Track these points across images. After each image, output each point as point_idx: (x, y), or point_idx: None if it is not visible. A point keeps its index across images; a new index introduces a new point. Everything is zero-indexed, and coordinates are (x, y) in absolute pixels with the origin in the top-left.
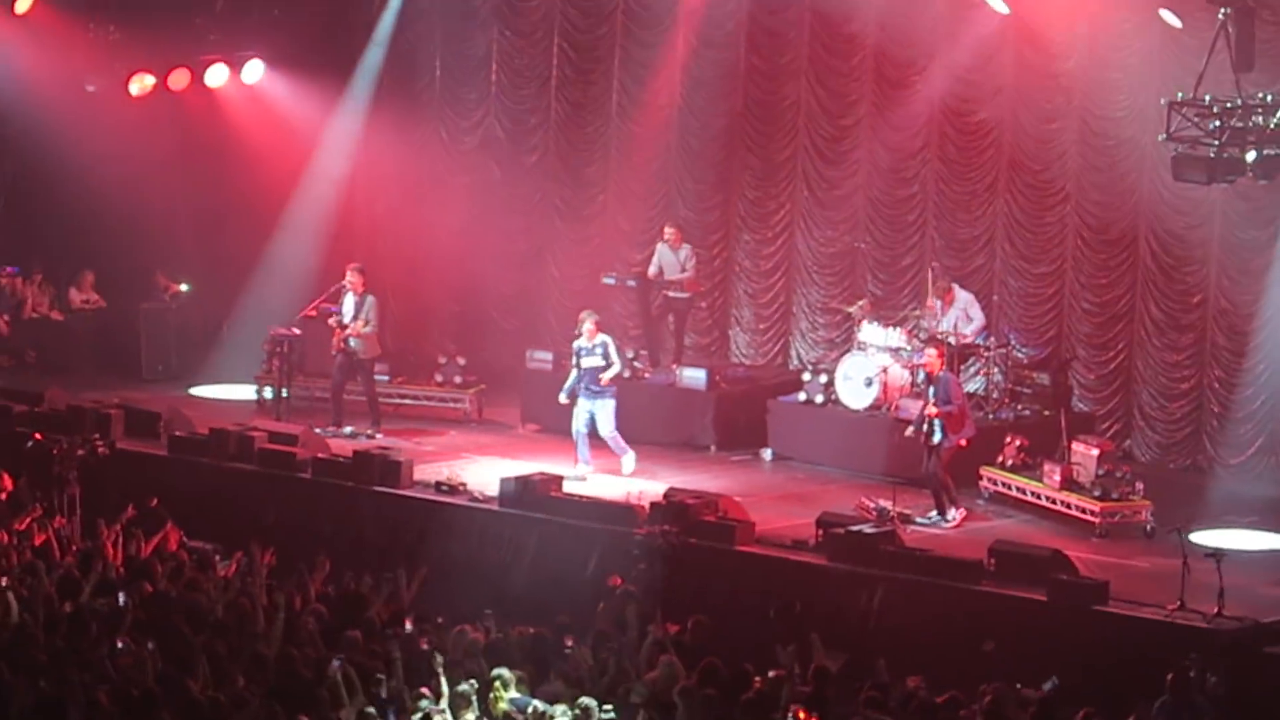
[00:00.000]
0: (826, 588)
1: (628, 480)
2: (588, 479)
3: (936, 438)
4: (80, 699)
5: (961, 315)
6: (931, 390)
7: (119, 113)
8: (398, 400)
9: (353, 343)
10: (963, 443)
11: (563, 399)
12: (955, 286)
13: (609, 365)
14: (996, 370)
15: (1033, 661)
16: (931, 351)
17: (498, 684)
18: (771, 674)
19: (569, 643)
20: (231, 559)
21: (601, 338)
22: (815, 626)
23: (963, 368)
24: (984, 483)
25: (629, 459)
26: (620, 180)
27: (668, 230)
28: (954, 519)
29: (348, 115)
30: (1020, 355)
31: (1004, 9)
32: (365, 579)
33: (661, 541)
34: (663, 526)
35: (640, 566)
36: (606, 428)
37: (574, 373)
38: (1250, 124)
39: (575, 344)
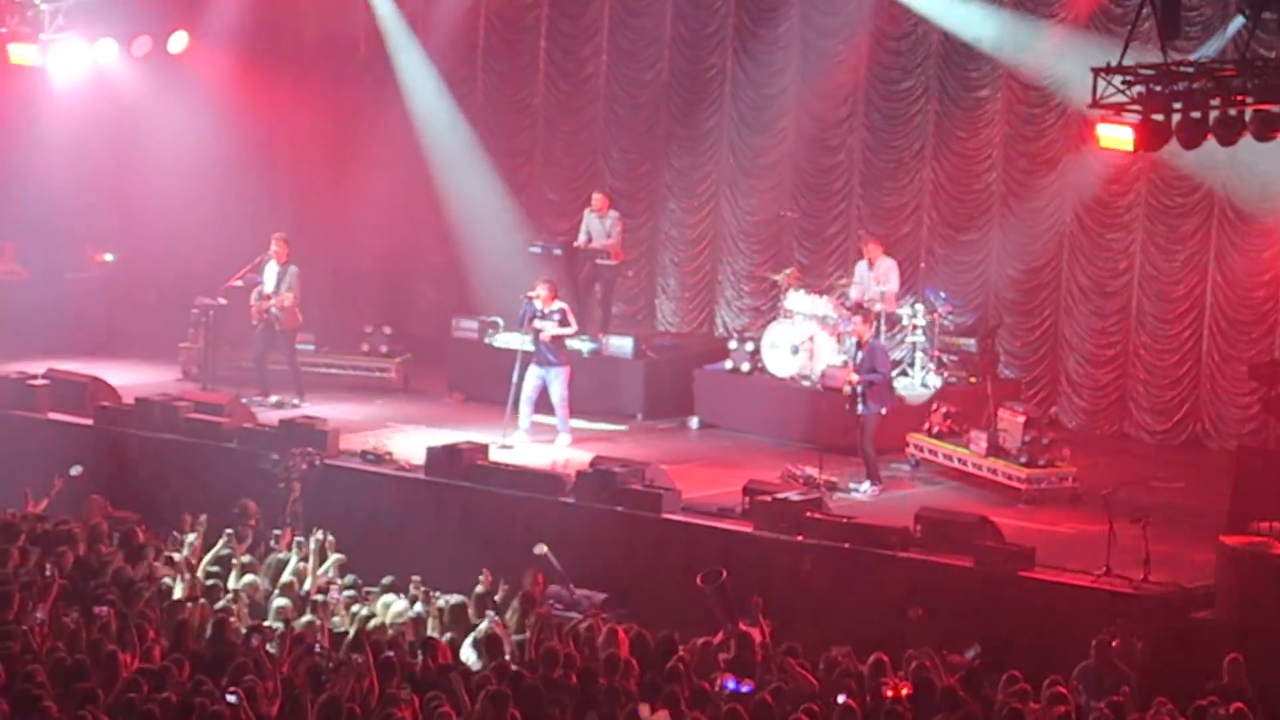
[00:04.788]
0: (753, 556)
1: (553, 449)
2: (515, 447)
3: (859, 407)
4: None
5: (881, 278)
6: (859, 357)
7: (41, 84)
8: (324, 370)
9: (275, 312)
10: (883, 412)
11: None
12: (880, 250)
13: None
14: (923, 337)
15: (959, 628)
16: (858, 319)
17: None
18: (701, 641)
19: (489, 612)
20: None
21: (558, 304)
22: (741, 595)
23: (889, 335)
24: (910, 449)
25: (564, 439)
26: (547, 149)
27: (595, 197)
28: (869, 492)
29: (274, 85)
30: (946, 322)
31: None
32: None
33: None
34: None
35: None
36: (558, 394)
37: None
38: (1175, 89)
39: (530, 305)
